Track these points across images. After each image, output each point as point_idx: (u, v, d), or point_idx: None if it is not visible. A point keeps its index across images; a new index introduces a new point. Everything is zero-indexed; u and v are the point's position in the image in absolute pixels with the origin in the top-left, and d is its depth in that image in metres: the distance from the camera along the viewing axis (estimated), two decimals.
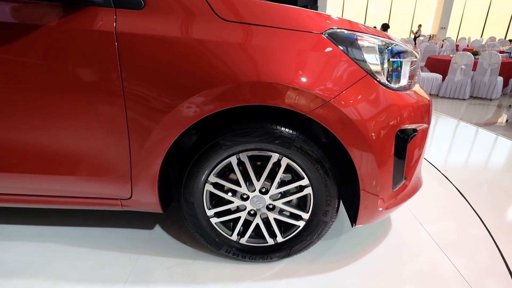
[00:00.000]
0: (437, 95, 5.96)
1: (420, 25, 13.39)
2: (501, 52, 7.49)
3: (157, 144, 1.13)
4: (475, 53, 6.02)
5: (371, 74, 1.12)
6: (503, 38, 14.41)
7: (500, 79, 5.66)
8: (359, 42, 1.12)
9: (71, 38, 1.04)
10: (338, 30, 1.12)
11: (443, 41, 10.88)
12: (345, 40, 1.11)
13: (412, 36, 13.15)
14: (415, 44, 11.09)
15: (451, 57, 5.93)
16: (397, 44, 1.20)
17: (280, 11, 1.11)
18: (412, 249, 1.51)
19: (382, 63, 1.15)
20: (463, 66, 5.58)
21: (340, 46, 1.10)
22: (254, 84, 1.03)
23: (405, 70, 1.22)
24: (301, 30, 1.08)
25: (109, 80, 1.06)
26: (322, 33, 1.10)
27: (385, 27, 8.71)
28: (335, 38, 1.10)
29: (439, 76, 5.97)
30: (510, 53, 6.93)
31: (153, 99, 1.07)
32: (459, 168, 2.51)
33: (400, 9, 17.97)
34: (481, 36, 15.36)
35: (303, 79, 1.05)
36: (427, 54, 8.11)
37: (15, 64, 1.05)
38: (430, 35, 14.30)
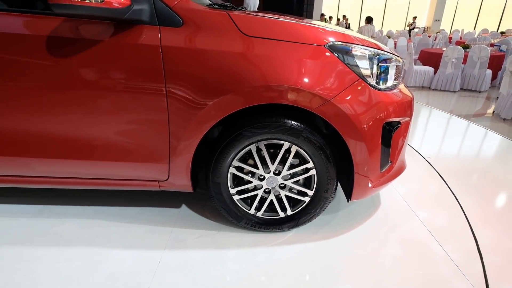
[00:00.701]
0: (429, 87, 6.25)
1: (415, 17, 13.61)
2: (492, 45, 7.77)
3: (192, 135, 1.41)
4: (465, 47, 6.29)
5: (363, 78, 1.40)
6: (496, 29, 14.69)
7: (489, 72, 5.96)
8: (353, 52, 1.40)
9: (125, 50, 1.30)
10: (337, 43, 1.39)
11: (436, 33, 11.13)
12: (342, 50, 1.39)
13: (407, 28, 13.37)
14: (410, 36, 11.33)
15: (443, 50, 6.21)
16: (384, 53, 1.48)
17: (292, 28, 1.39)
18: (394, 219, 1.82)
19: (371, 69, 1.43)
20: (454, 60, 5.85)
21: (338, 56, 1.37)
22: (275, 87, 1.31)
23: (391, 74, 1.49)
24: (308, 43, 1.35)
25: (155, 82, 1.32)
26: (324, 46, 1.37)
27: (369, 19, 9.13)
28: (334, 49, 1.38)
29: (431, 69, 6.25)
30: (500, 46, 7.20)
31: (190, 98, 1.34)
32: (443, 156, 2.82)
33: (395, 0, 18.13)
34: (474, 28, 15.63)
35: (311, 83, 1.32)
36: (420, 47, 8.38)
37: (82, 70, 1.32)
38: (424, 27, 14.53)
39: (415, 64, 6.54)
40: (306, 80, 1.32)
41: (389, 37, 8.78)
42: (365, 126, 1.39)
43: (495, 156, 2.88)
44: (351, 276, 1.43)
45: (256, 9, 7.90)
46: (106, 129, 1.41)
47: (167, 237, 1.64)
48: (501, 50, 6.88)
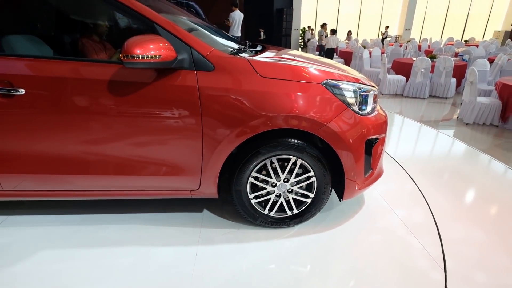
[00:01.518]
0: (402, 94, 6.89)
1: (387, 27, 14.51)
2: (456, 54, 8.55)
3: (220, 154, 1.80)
4: (432, 57, 6.98)
5: (349, 106, 1.84)
6: (460, 37, 15.86)
7: (454, 80, 6.66)
8: (342, 87, 1.84)
9: (171, 90, 1.69)
10: (329, 80, 1.83)
11: (407, 42, 11.99)
12: (333, 86, 1.83)
13: (381, 37, 14.24)
14: (383, 45, 12.14)
15: (413, 60, 6.87)
16: (364, 86, 1.93)
17: (296, 70, 1.82)
18: (376, 214, 2.28)
19: (356, 98, 1.87)
20: (422, 70, 6.51)
21: (331, 90, 1.81)
22: (287, 116, 1.72)
23: (370, 101, 1.95)
24: (309, 82, 1.79)
25: (193, 114, 1.71)
26: (320, 83, 1.80)
27: (334, 31, 9.98)
28: (328, 85, 1.81)
29: (403, 78, 6.89)
30: (463, 56, 7.97)
31: (220, 125, 1.73)
32: (413, 161, 3.34)
33: (369, 10, 19.13)
34: (441, 36, 16.78)
35: (314, 112, 1.74)
36: (393, 56, 9.07)
37: (137, 105, 1.69)
38: (396, 36, 15.50)
39: (388, 74, 7.16)
40: (310, 110, 1.75)
41: (364, 47, 9.44)
42: (352, 142, 1.83)
43: (457, 160, 3.42)
44: (346, 259, 1.86)
45: (241, 22, 8.33)
46: (156, 149, 1.79)
47: (197, 235, 2.01)
48: (464, 60, 7.65)
